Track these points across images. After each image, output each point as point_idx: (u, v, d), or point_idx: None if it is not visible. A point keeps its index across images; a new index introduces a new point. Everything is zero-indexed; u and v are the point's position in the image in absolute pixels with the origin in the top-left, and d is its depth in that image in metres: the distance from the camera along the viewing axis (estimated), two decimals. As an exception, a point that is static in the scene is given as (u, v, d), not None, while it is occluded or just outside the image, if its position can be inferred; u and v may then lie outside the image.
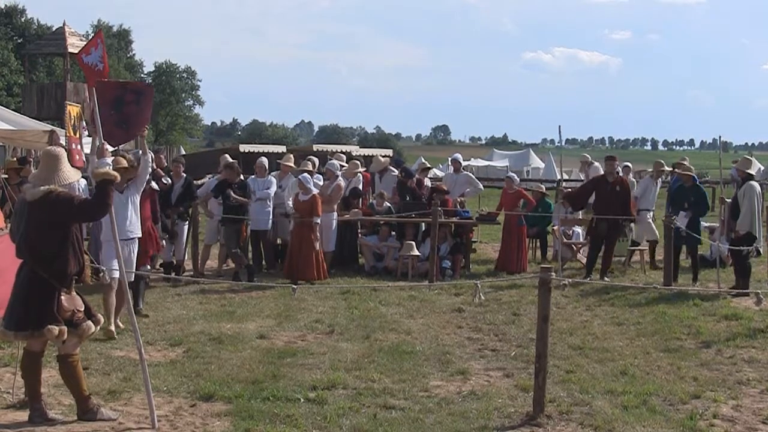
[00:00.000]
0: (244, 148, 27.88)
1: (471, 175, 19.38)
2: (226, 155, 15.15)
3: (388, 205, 14.86)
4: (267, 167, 14.06)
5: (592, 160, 16.31)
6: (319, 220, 12.92)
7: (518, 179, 16.49)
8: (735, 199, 12.50)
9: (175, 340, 8.81)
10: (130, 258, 9.33)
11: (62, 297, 5.99)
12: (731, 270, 12.89)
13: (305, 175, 13.26)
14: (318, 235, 12.90)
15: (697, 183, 13.80)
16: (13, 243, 6.23)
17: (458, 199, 15.65)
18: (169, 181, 12.63)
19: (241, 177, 13.35)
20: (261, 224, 13.60)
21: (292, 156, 15.53)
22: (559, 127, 14.58)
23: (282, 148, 29.41)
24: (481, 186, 17.24)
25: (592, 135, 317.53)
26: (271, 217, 13.74)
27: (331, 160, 15.47)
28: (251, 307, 10.66)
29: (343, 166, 15.90)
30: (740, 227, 12.14)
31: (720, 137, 16.69)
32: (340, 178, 14.37)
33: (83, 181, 11.02)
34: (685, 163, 14.50)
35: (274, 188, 13.76)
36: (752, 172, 12.99)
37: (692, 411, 6.60)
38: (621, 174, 14.30)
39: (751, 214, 12.12)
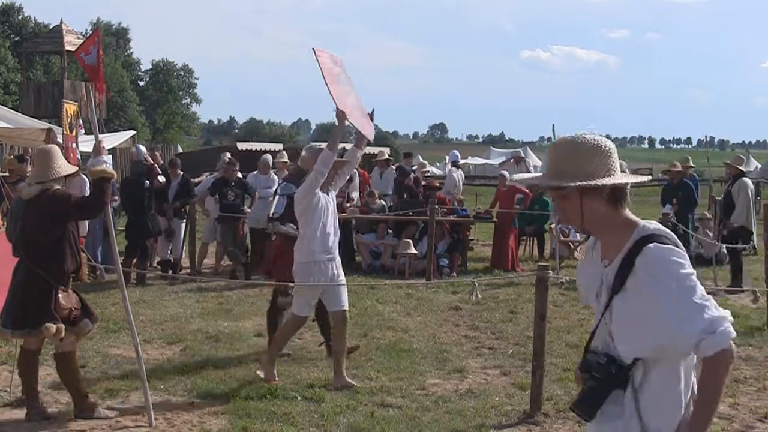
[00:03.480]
0: (241, 146, 27.91)
1: (455, 176, 19.23)
2: (227, 153, 15.13)
3: (382, 203, 14.88)
4: (270, 164, 14.02)
5: (524, 155, 16.42)
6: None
7: (509, 175, 16.44)
8: (727, 196, 12.65)
9: (173, 338, 8.81)
10: (338, 280, 7.29)
11: (59, 295, 5.99)
12: (728, 269, 12.95)
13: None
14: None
15: (685, 180, 13.90)
16: (9, 242, 6.23)
17: (459, 198, 15.67)
18: (164, 179, 12.64)
19: (239, 175, 13.36)
20: (263, 222, 13.56)
21: (285, 153, 15.56)
22: (553, 125, 14.59)
23: (279, 147, 29.45)
24: (455, 181, 17.32)
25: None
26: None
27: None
28: (248, 306, 10.65)
29: None
30: (735, 220, 12.28)
31: (706, 137, 16.81)
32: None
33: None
34: (677, 163, 14.61)
35: (275, 186, 13.74)
36: (744, 168, 13.18)
37: (689, 409, 6.60)
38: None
39: (747, 209, 12.28)
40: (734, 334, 2.56)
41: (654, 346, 2.61)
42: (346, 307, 7.30)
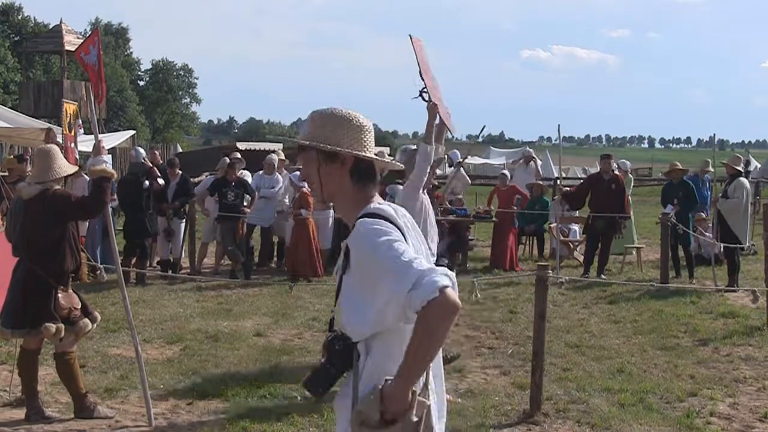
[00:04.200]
0: (241, 145, 27.92)
1: (462, 171, 19.30)
2: (237, 154, 15.17)
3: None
4: (275, 164, 14.02)
5: (534, 155, 16.58)
6: (305, 213, 12.95)
7: (510, 176, 16.46)
8: (724, 195, 12.75)
9: (172, 337, 8.81)
10: None
11: (59, 295, 5.99)
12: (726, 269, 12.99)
13: (295, 173, 13.43)
14: (312, 231, 12.97)
15: (685, 179, 13.95)
16: (9, 242, 6.23)
17: (459, 197, 15.65)
18: (163, 182, 12.63)
19: (244, 170, 13.43)
20: (264, 221, 13.58)
21: (282, 152, 15.64)
22: (558, 126, 14.64)
23: (279, 146, 29.46)
24: (468, 180, 17.26)
25: (590, 133, 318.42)
26: (274, 215, 13.70)
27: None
28: (248, 305, 10.66)
29: None
30: (722, 205, 12.42)
31: (714, 135, 16.89)
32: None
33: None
34: (677, 163, 14.71)
35: (279, 186, 13.76)
36: (741, 168, 13.36)
37: (689, 409, 6.61)
38: (617, 172, 14.41)
39: (741, 207, 12.44)
40: (445, 283, 2.40)
41: (373, 320, 2.55)
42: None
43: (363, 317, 2.58)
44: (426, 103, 6.59)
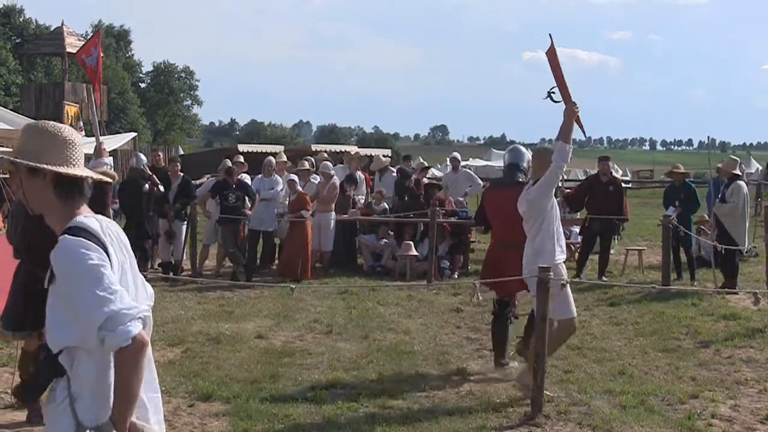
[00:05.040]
0: (243, 148, 27.97)
1: (470, 172, 19.35)
2: (240, 157, 15.22)
3: (385, 205, 14.90)
4: (274, 166, 14.04)
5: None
6: (306, 214, 13.03)
7: None
8: (722, 198, 12.76)
9: (174, 340, 8.81)
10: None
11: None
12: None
13: (293, 176, 13.55)
14: (308, 233, 13.08)
15: (686, 181, 13.97)
16: (10, 244, 6.24)
17: (459, 199, 15.65)
18: (162, 189, 12.60)
19: (245, 173, 13.46)
20: (266, 225, 13.46)
21: (284, 154, 15.69)
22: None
23: (280, 148, 29.50)
24: (480, 182, 17.17)
25: (591, 135, 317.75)
26: (275, 218, 13.68)
27: (324, 161, 15.51)
28: (249, 307, 10.66)
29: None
30: (719, 209, 12.44)
31: (709, 137, 16.92)
32: (335, 178, 14.40)
33: None
34: (679, 165, 14.75)
35: (279, 188, 13.77)
36: (738, 172, 13.37)
37: (690, 411, 6.61)
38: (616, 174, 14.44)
39: (738, 211, 12.44)
40: (136, 331, 2.57)
41: (70, 336, 2.64)
42: (575, 315, 6.95)
43: (60, 331, 2.67)
44: (554, 103, 6.70)
